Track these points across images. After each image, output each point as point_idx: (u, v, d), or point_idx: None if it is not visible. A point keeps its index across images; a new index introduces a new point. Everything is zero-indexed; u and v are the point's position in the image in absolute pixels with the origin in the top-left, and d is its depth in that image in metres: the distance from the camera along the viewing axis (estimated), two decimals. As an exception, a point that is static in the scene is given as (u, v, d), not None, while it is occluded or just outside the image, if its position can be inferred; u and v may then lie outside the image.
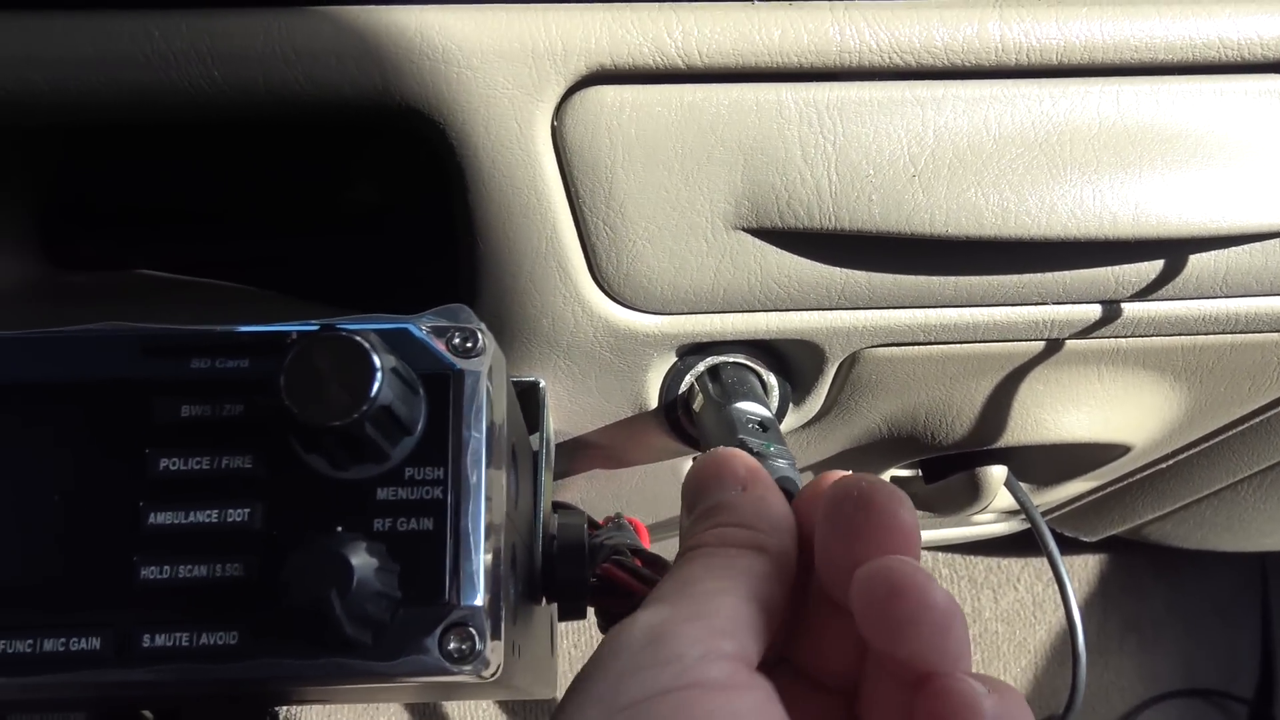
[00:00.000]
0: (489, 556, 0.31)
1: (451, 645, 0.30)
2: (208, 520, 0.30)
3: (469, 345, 0.32)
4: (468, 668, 0.30)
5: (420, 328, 0.32)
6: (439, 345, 0.32)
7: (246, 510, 0.30)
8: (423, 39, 0.40)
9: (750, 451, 0.46)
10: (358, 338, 0.29)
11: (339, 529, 0.30)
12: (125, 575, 0.30)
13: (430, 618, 0.30)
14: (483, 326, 0.33)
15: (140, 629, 0.29)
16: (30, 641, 0.29)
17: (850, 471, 0.37)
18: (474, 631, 0.30)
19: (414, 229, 0.60)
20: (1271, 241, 0.45)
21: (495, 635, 0.31)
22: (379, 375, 0.28)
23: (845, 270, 0.45)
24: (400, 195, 0.62)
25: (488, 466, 0.32)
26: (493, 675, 0.32)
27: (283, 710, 1.02)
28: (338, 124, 0.45)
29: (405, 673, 0.30)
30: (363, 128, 0.53)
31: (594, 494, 0.64)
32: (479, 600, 0.30)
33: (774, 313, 0.47)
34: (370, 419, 0.29)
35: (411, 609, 0.30)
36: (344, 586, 0.27)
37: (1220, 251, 0.45)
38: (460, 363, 0.32)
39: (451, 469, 0.31)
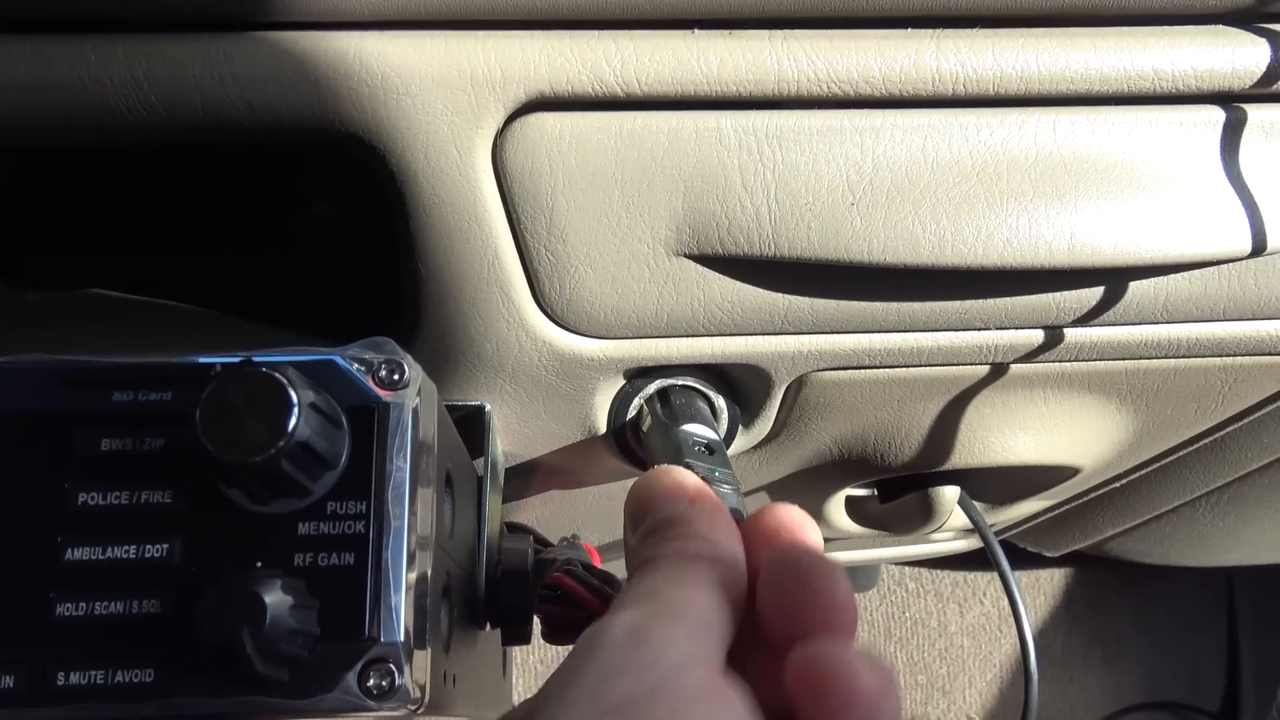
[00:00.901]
0: (412, 590, 0.31)
1: (370, 681, 0.30)
2: (126, 556, 0.30)
3: (395, 377, 0.32)
4: (388, 704, 0.30)
5: (346, 359, 0.32)
6: (364, 378, 0.32)
7: (165, 545, 0.30)
8: (361, 65, 0.40)
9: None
10: (275, 374, 0.28)
11: (259, 565, 0.30)
12: (41, 611, 0.30)
13: (349, 654, 0.30)
14: (409, 358, 0.33)
15: (55, 666, 0.29)
16: (-58, 679, 0.29)
17: (796, 505, 0.37)
18: (393, 667, 0.30)
19: (370, 247, 0.60)
20: (1210, 269, 0.46)
21: (418, 669, 0.31)
22: (295, 411, 0.28)
23: (788, 296, 0.45)
24: (356, 213, 0.62)
25: (413, 499, 0.32)
26: (417, 710, 0.32)
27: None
28: (279, 148, 0.45)
29: (324, 710, 0.30)
30: (308, 150, 0.53)
31: (549, 514, 0.64)
32: (399, 636, 0.30)
33: (718, 338, 0.47)
34: (287, 455, 0.28)
35: (330, 645, 0.30)
36: (256, 624, 0.27)
37: (1160, 279, 0.46)
38: (386, 395, 0.32)
39: (374, 503, 0.31)
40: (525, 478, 0.59)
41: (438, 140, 0.41)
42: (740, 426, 0.54)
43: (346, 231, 0.62)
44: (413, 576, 0.31)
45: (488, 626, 0.48)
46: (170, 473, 0.31)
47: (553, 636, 0.49)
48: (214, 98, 0.40)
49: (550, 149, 0.41)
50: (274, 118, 0.40)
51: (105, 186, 0.61)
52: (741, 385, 0.52)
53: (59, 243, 0.62)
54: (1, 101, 0.40)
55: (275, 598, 0.28)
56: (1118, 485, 0.71)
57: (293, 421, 0.28)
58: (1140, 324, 0.48)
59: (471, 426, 0.49)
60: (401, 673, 0.30)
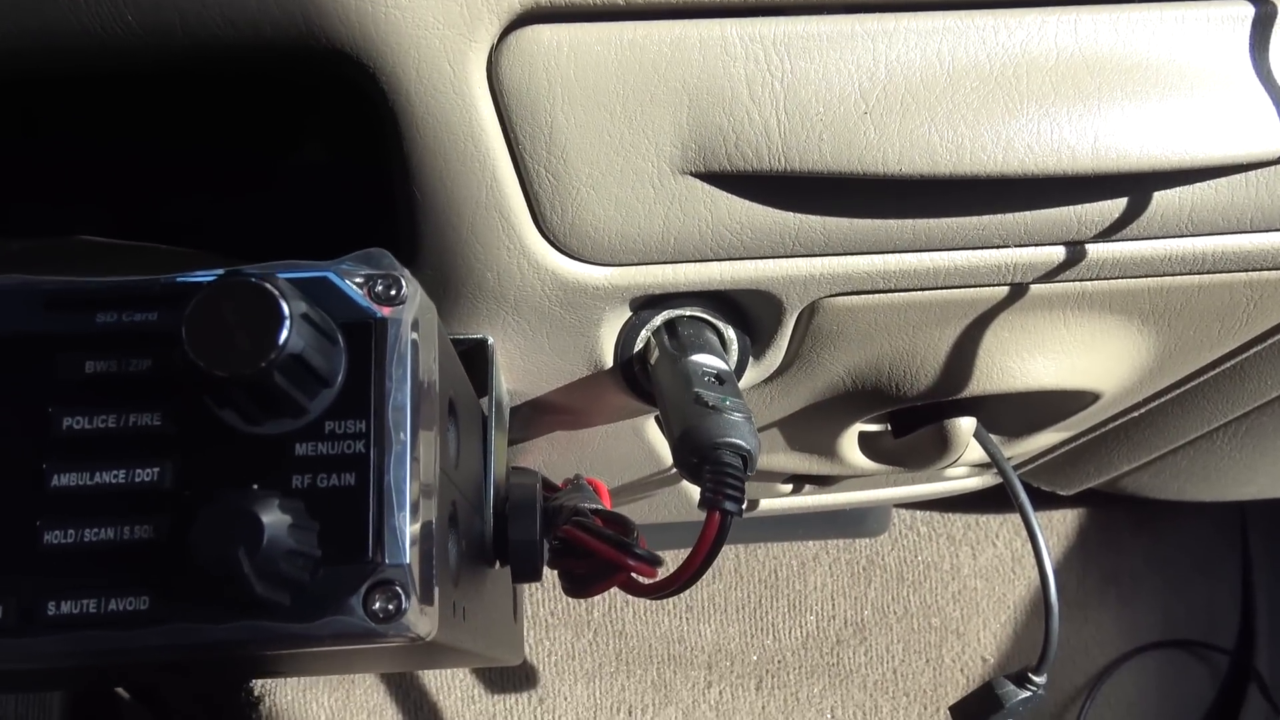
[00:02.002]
0: (418, 514, 0.30)
1: (376, 605, 0.29)
2: (115, 480, 0.29)
3: (392, 292, 0.31)
4: (394, 627, 0.29)
5: (340, 275, 0.31)
6: (360, 292, 0.31)
7: (155, 469, 0.29)
8: (347, -24, 0.38)
9: (706, 405, 0.45)
10: (264, 284, 0.27)
11: (255, 486, 0.29)
12: (28, 540, 0.28)
13: (353, 577, 0.29)
14: (406, 272, 0.31)
15: (45, 596, 0.28)
16: (-73, 612, 0.28)
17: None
18: (400, 590, 0.29)
19: (362, 190, 0.58)
20: (1237, 176, 0.44)
21: (426, 595, 0.30)
22: (287, 322, 0.27)
23: (799, 215, 0.43)
24: (349, 153, 0.60)
25: (415, 419, 0.30)
26: (427, 635, 0.31)
27: (258, 684, 1.01)
28: (264, 72, 0.44)
29: (327, 634, 0.28)
30: (301, 81, 0.51)
31: (555, 457, 0.62)
32: (406, 558, 0.29)
33: (727, 262, 0.45)
34: (280, 368, 0.27)
35: (333, 568, 0.29)
36: (252, 544, 0.26)
37: (1185, 188, 0.44)
38: (382, 310, 0.31)
39: (374, 422, 0.30)
40: (530, 418, 0.58)
41: (430, 55, 0.39)
42: (750, 358, 0.52)
43: (340, 170, 0.60)
44: (417, 498, 0.30)
45: (497, 564, 0.47)
46: (159, 394, 0.29)
47: (574, 590, 0.48)
48: (193, 14, 0.38)
49: (548, 63, 0.39)
50: (257, 35, 0.39)
51: (92, 128, 0.59)
52: (751, 314, 0.50)
53: (45, 189, 0.60)
54: (-29, 24, 0.38)
55: (272, 517, 0.27)
56: (1135, 416, 0.70)
57: (284, 332, 0.27)
58: (1164, 237, 0.46)
59: (475, 362, 0.48)
60: (408, 596, 0.29)
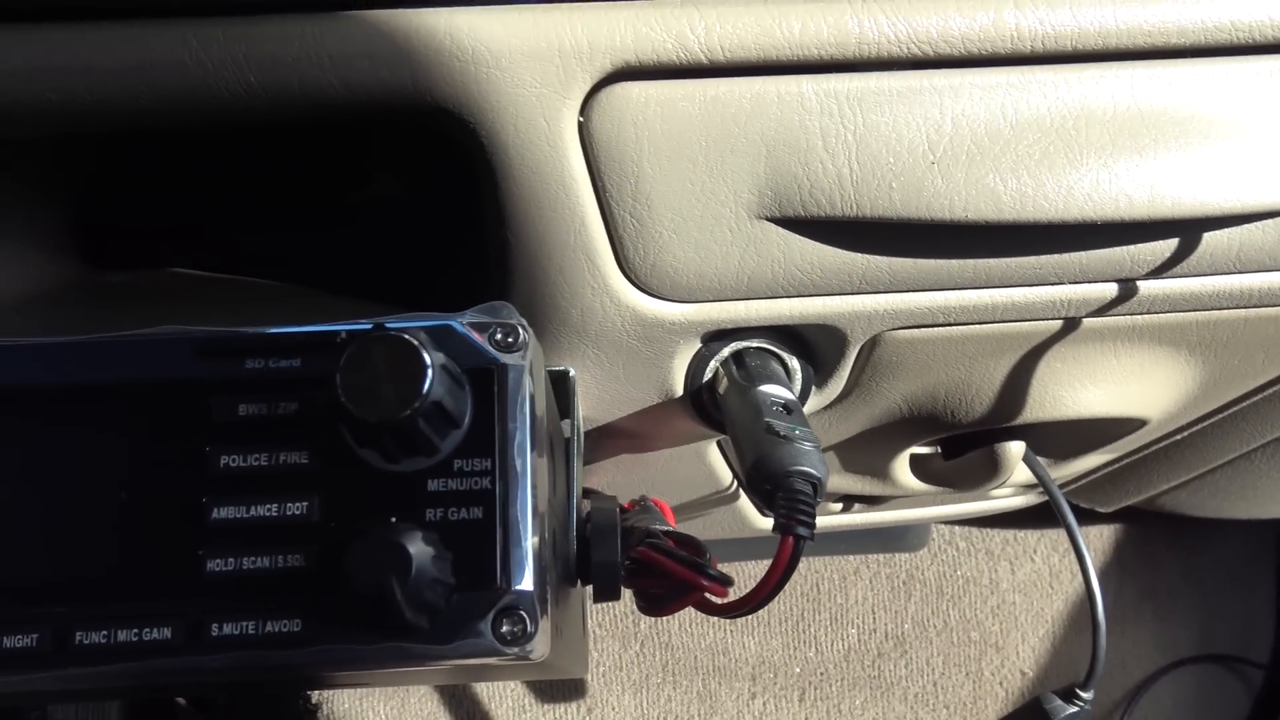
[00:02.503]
0: (536, 542, 0.33)
1: (505, 629, 0.31)
2: (268, 514, 0.32)
3: (510, 340, 0.34)
4: (519, 649, 0.31)
5: (462, 324, 0.34)
6: (481, 340, 0.33)
7: (305, 504, 0.32)
8: (452, 40, 0.41)
9: (777, 434, 0.47)
10: (408, 337, 0.30)
11: (393, 519, 0.31)
12: (193, 568, 0.31)
13: (483, 602, 0.31)
14: (523, 322, 0.34)
15: (209, 618, 0.31)
16: (105, 633, 0.31)
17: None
18: (525, 615, 0.31)
19: (438, 221, 0.61)
20: (1284, 218, 0.46)
21: (544, 619, 0.33)
22: (430, 372, 0.30)
23: (866, 256, 0.46)
24: (421, 187, 0.63)
25: (533, 456, 0.33)
26: (541, 657, 0.33)
27: (314, 695, 1.04)
28: (369, 124, 0.47)
29: (461, 655, 0.31)
30: (387, 126, 0.54)
31: (620, 479, 0.65)
32: (529, 584, 0.32)
33: (797, 299, 0.48)
34: (423, 414, 0.30)
35: (465, 594, 0.31)
36: (404, 573, 0.29)
37: (1234, 229, 0.46)
38: (503, 357, 0.33)
39: (499, 460, 0.32)
40: (598, 442, 0.60)
41: (526, 111, 0.42)
42: (813, 387, 0.55)
43: (414, 205, 0.63)
44: (536, 529, 0.33)
45: (579, 584, 0.49)
46: (305, 435, 0.32)
47: (650, 609, 0.50)
48: (311, 77, 0.41)
49: (636, 117, 0.42)
50: (368, 95, 0.42)
51: (178, 168, 0.62)
52: (815, 346, 0.53)
53: (137, 225, 0.63)
54: (106, 85, 0.41)
55: (417, 548, 0.29)
56: (1177, 438, 0.72)
57: (428, 381, 0.29)
58: (1213, 274, 0.48)
59: (556, 391, 0.50)
60: (534, 620, 0.31)
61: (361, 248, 0.63)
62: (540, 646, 0.32)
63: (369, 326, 0.32)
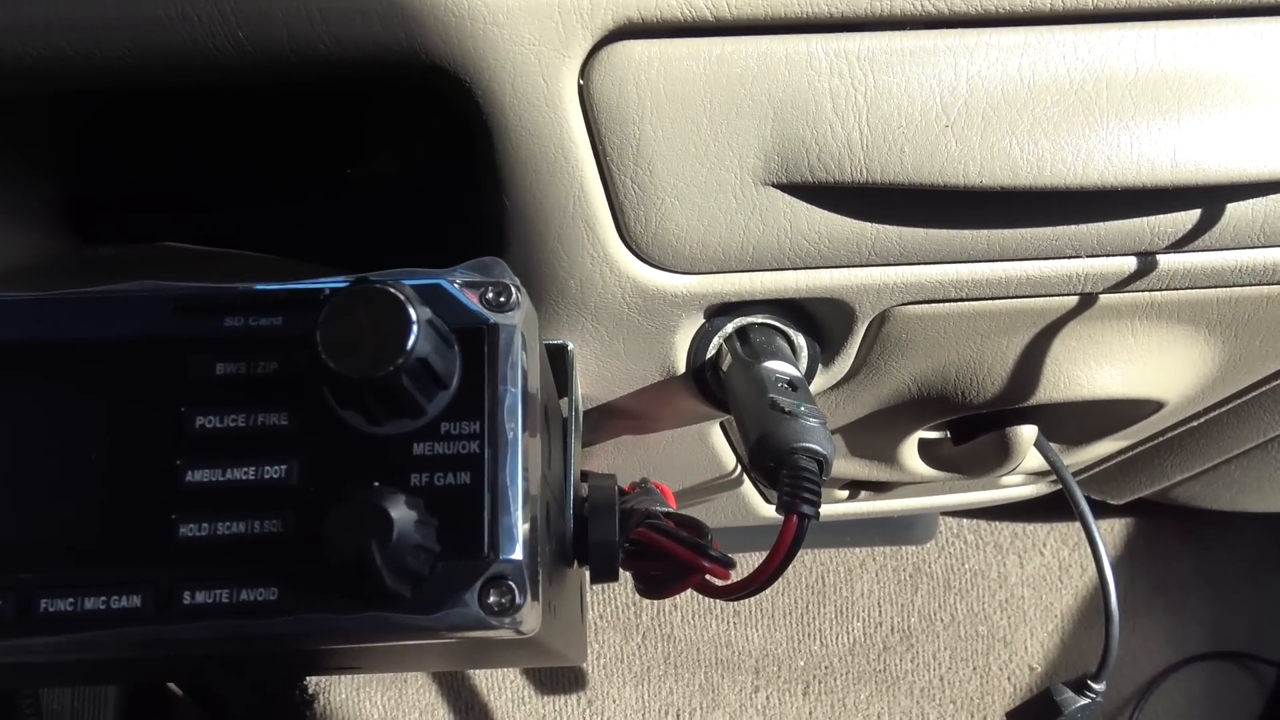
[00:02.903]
0: (527, 512, 0.31)
1: (491, 599, 0.30)
2: (245, 477, 0.30)
3: (503, 300, 0.32)
4: (507, 621, 0.30)
5: (453, 282, 0.32)
6: (472, 299, 0.32)
7: (283, 467, 0.30)
8: (448, -5, 0.39)
9: (782, 411, 0.46)
10: (393, 290, 0.28)
11: (376, 484, 0.30)
12: (164, 533, 0.30)
13: (470, 571, 0.30)
14: (516, 281, 0.32)
15: (181, 586, 0.29)
16: (71, 600, 0.29)
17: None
18: (513, 585, 0.30)
19: (435, 194, 0.60)
20: (1311, 189, 0.44)
21: (534, 592, 0.31)
22: (415, 327, 0.28)
23: (876, 225, 0.44)
24: (418, 162, 0.61)
25: (525, 422, 0.32)
26: (531, 631, 0.32)
27: (312, 682, 1.03)
28: (362, 85, 0.45)
29: (446, 626, 0.30)
30: (384, 91, 0.53)
31: (620, 461, 0.64)
32: (518, 554, 0.30)
33: (803, 270, 0.46)
34: (407, 371, 0.28)
35: (450, 563, 0.30)
36: (384, 538, 0.27)
37: (1258, 200, 0.45)
38: (494, 316, 0.32)
39: (488, 424, 0.31)
40: (599, 422, 0.59)
41: (525, 70, 0.40)
42: (819, 365, 0.53)
43: (409, 180, 0.62)
44: (526, 498, 0.31)
45: (575, 564, 0.48)
46: (285, 396, 0.31)
47: (649, 591, 0.49)
48: (301, 32, 0.39)
49: (638, 77, 0.41)
50: (360, 52, 0.40)
51: (168, 139, 0.61)
52: (822, 322, 0.51)
53: (129, 196, 0.62)
54: (89, 41, 0.40)
55: (400, 513, 0.28)
56: (1192, 426, 0.70)
57: (412, 337, 0.28)
58: (1236, 249, 0.47)
59: (554, 366, 0.49)
60: (523, 590, 0.30)
61: (358, 224, 0.62)
62: (530, 620, 0.31)
63: (351, 281, 0.30)
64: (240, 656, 0.33)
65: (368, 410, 0.30)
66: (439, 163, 0.60)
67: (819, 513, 0.43)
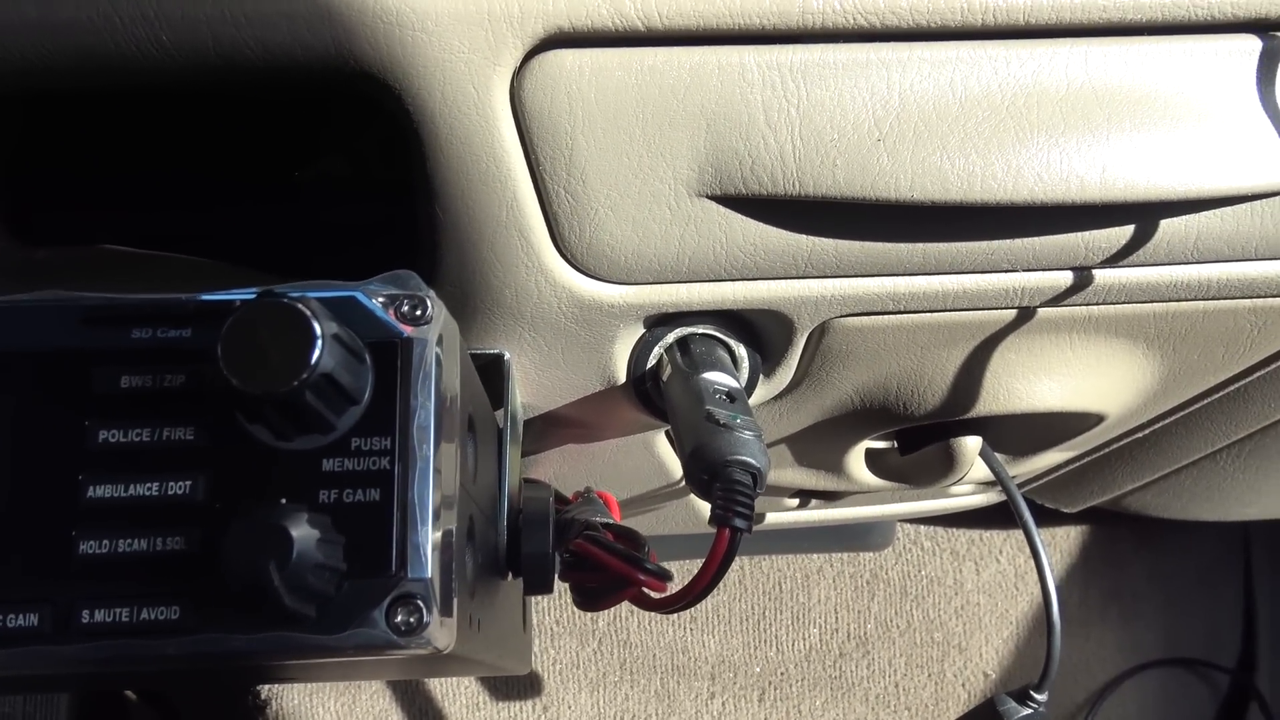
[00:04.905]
0: (439, 528, 0.31)
1: (399, 618, 0.29)
2: (148, 493, 0.30)
3: (418, 313, 0.32)
4: (416, 640, 0.29)
5: (367, 295, 0.32)
6: (387, 313, 0.32)
7: (188, 482, 0.30)
8: (376, 2, 0.39)
9: (717, 423, 0.46)
10: (298, 304, 0.28)
11: (283, 501, 0.29)
12: (64, 550, 0.29)
13: (377, 590, 0.29)
14: (432, 293, 0.32)
15: (80, 604, 0.29)
16: (-34, 618, 0.29)
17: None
18: (421, 604, 0.29)
19: (382, 202, 0.59)
20: (1243, 205, 0.45)
21: (445, 608, 0.31)
22: (319, 342, 0.28)
23: (812, 238, 0.44)
24: (368, 166, 0.61)
25: (438, 436, 0.31)
26: (445, 648, 0.32)
27: (265, 689, 1.01)
28: (293, 90, 0.44)
29: (352, 646, 0.29)
30: (322, 96, 0.52)
31: (566, 470, 0.63)
32: (427, 572, 0.30)
33: (741, 282, 0.46)
34: (311, 387, 0.28)
35: (357, 581, 0.29)
36: (283, 558, 0.27)
37: (1191, 216, 0.45)
38: (408, 330, 0.31)
39: (399, 439, 0.30)
40: (543, 431, 0.58)
41: (455, 79, 0.40)
42: (761, 376, 0.53)
43: (358, 184, 0.61)
44: (439, 513, 0.31)
45: (509, 576, 0.47)
46: (192, 409, 0.30)
47: (585, 604, 0.48)
48: (226, 37, 0.39)
49: (569, 87, 0.40)
50: (288, 57, 0.39)
51: (112, 140, 0.60)
52: (763, 333, 0.51)
53: (68, 198, 0.61)
54: (10, 42, 0.39)
55: (301, 531, 0.27)
56: (1139, 436, 0.71)
57: (316, 352, 0.28)
58: (1170, 264, 0.47)
59: (490, 376, 0.49)
60: (430, 609, 0.29)
61: (305, 226, 0.61)
62: (441, 637, 0.30)
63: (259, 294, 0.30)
64: (151, 675, 0.32)
65: (274, 426, 0.30)
66: (389, 165, 0.59)
67: (751, 526, 0.43)
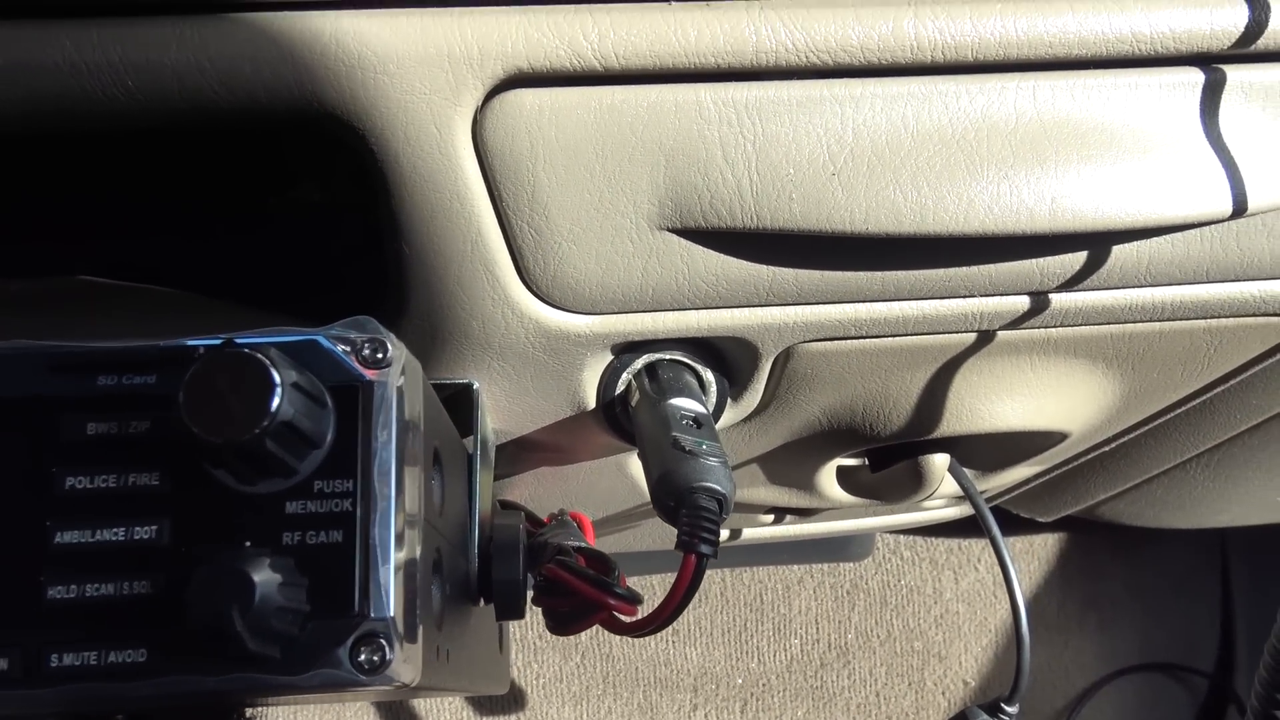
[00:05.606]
0: (401, 567, 0.31)
1: (362, 657, 0.30)
2: (115, 538, 0.30)
3: (378, 356, 0.32)
4: (379, 678, 0.30)
5: (329, 340, 0.32)
6: (348, 357, 0.32)
7: (154, 527, 0.30)
8: (338, 45, 0.39)
9: (683, 450, 0.46)
10: (258, 354, 0.29)
11: (247, 544, 0.30)
12: (33, 595, 0.30)
13: (340, 630, 0.30)
14: (392, 337, 0.33)
15: (48, 649, 0.29)
16: (-64, 663, 0.29)
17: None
18: (384, 643, 0.30)
19: (354, 228, 0.60)
20: (1191, 231, 0.46)
21: (409, 644, 0.32)
22: (278, 391, 0.28)
23: (772, 268, 0.45)
24: (340, 194, 0.61)
25: (399, 477, 0.32)
26: (411, 683, 0.32)
27: (248, 711, 1.02)
28: (262, 130, 0.45)
29: (316, 686, 0.30)
30: (291, 131, 0.53)
31: (541, 492, 0.64)
32: (389, 611, 0.31)
33: (705, 310, 0.47)
34: (271, 435, 0.29)
35: (321, 622, 0.30)
36: (245, 602, 0.28)
37: (1141, 242, 0.46)
38: (369, 374, 0.32)
39: (361, 481, 0.31)
40: (516, 455, 0.59)
41: (417, 119, 0.41)
42: (729, 399, 0.54)
43: (331, 213, 0.62)
44: (401, 553, 0.31)
45: (481, 602, 0.48)
46: (157, 455, 0.31)
47: (557, 628, 0.49)
48: (191, 81, 0.40)
49: (530, 125, 0.41)
50: (252, 99, 0.40)
51: (88, 171, 0.61)
52: (729, 358, 0.52)
53: (43, 229, 0.62)
54: (-24, 88, 0.39)
55: (264, 576, 0.28)
56: (1108, 449, 0.72)
57: (275, 401, 0.28)
58: (1124, 288, 0.48)
59: (460, 405, 0.49)
60: (392, 648, 0.30)
61: (279, 255, 0.62)
62: (406, 673, 0.31)
63: (221, 342, 0.31)
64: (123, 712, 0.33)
65: (237, 471, 0.30)
66: (358, 196, 0.60)
67: (716, 552, 0.44)
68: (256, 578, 0.28)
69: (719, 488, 0.45)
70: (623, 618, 0.47)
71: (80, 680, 0.29)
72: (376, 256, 0.51)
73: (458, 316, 0.46)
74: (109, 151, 0.59)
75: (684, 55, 0.41)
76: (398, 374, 0.32)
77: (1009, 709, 0.64)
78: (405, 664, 0.31)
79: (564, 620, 0.49)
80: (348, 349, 0.32)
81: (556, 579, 0.48)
